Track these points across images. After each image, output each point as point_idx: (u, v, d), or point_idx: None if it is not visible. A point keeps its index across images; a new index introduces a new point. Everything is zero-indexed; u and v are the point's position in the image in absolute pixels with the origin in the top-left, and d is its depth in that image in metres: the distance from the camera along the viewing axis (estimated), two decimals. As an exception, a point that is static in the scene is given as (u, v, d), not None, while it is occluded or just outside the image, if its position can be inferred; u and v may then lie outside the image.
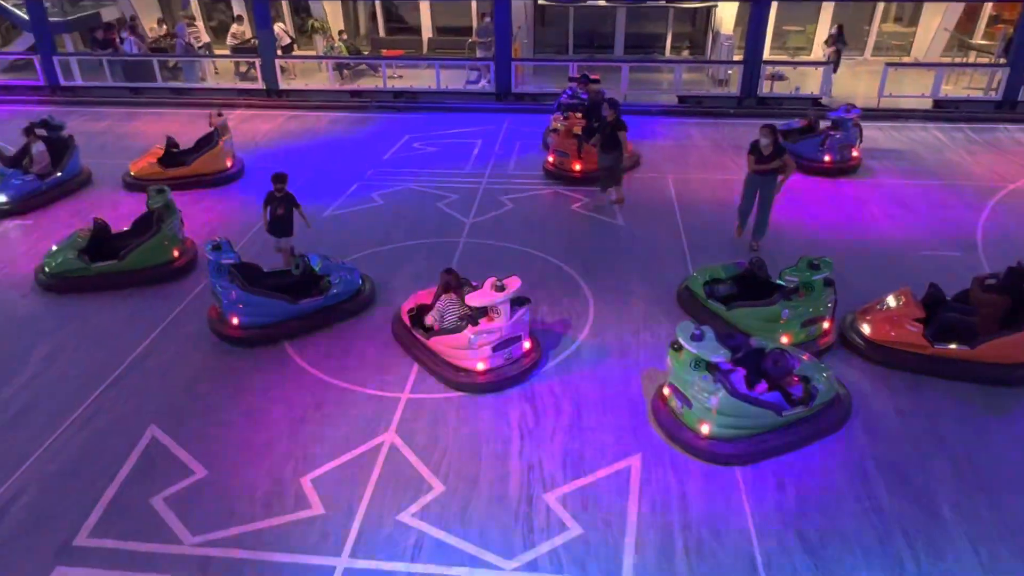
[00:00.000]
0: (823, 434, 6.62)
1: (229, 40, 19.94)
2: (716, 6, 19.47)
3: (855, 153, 13.04)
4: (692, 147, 14.56)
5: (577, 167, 12.53)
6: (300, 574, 5.40)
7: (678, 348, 6.51)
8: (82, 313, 8.78)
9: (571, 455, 6.48)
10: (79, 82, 18.41)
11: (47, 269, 9.22)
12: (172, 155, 12.45)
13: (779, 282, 7.86)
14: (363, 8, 22.09)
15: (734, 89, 17.24)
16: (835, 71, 17.41)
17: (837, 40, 17.67)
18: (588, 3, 19.29)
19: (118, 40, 18.87)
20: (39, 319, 8.72)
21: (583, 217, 11.33)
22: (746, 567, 5.42)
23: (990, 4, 19.52)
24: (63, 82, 18.38)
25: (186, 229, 9.90)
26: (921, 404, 7.10)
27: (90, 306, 8.91)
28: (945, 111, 16.31)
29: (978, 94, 17.02)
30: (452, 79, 18.35)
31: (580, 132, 12.45)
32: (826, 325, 7.86)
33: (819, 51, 19.27)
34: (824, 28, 19.56)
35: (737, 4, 18.82)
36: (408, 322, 7.86)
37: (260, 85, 17.94)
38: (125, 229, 9.70)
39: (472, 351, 7.17)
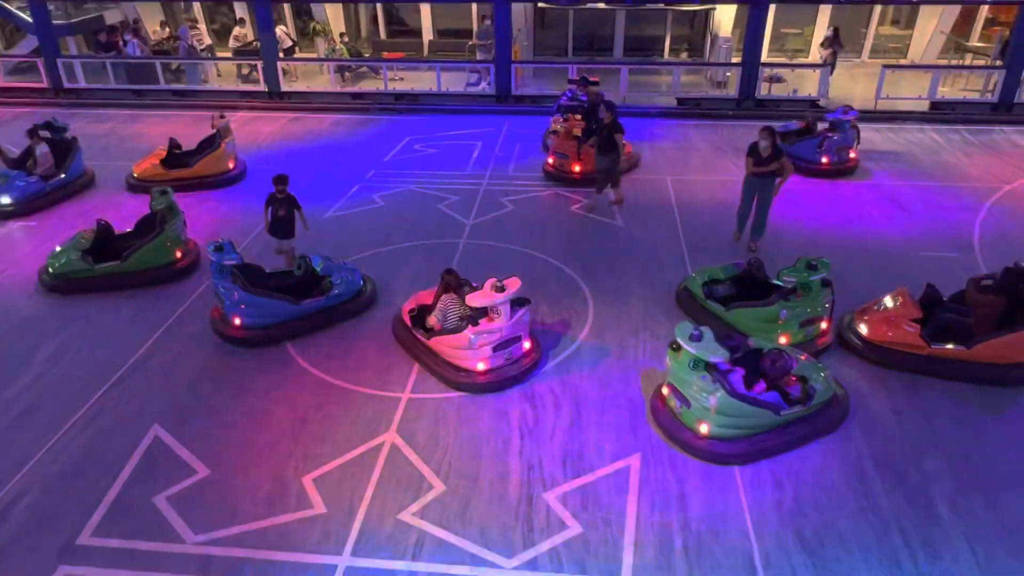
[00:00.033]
0: (821, 434, 6.66)
1: (231, 43, 20.05)
2: (715, 9, 19.51)
3: (852, 155, 13.08)
4: (691, 149, 14.61)
5: (577, 169, 12.58)
6: (302, 573, 5.44)
7: (677, 348, 6.55)
8: (85, 314, 8.83)
9: (571, 454, 6.52)
10: (83, 84, 18.48)
11: (51, 270, 9.27)
12: (175, 157, 12.49)
13: (777, 283, 7.89)
14: (364, 11, 22.16)
15: (732, 91, 17.29)
16: (831, 73, 17.46)
17: (833, 42, 17.72)
18: (587, 6, 19.34)
19: (121, 43, 18.94)
20: (43, 320, 8.76)
21: (583, 218, 11.37)
22: (745, 566, 5.46)
23: (986, 7, 19.57)
24: (67, 84, 18.46)
25: (189, 230, 9.95)
26: (918, 404, 7.14)
27: (93, 307, 8.96)
28: (942, 113, 16.38)
29: (975, 96, 17.07)
30: (453, 81, 18.40)
31: (580, 134, 12.50)
32: (824, 325, 7.91)
33: (816, 54, 19.32)
34: (822, 31, 19.59)
35: (735, 7, 18.86)
36: (409, 322, 7.90)
37: (262, 87, 18.00)
38: (128, 230, 9.76)
39: (472, 351, 7.21)
